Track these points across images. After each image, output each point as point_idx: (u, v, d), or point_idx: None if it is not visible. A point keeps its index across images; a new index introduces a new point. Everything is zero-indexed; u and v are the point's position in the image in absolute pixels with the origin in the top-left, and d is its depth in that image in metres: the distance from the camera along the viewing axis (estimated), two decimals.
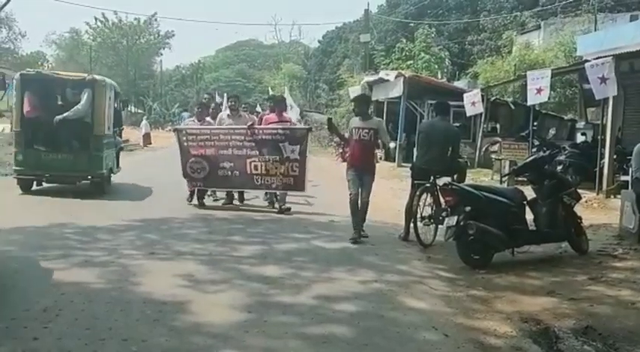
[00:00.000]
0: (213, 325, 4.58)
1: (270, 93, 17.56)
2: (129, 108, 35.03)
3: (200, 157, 10.48)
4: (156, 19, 63.84)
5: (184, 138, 10.62)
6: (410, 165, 19.15)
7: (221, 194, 11.51)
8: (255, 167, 10.38)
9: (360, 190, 8.34)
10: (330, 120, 10.40)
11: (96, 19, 62.06)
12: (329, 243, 8.09)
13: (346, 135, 9.48)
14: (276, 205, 10.59)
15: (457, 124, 17.41)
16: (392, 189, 14.20)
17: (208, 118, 11.42)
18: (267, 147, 10.36)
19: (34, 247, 6.91)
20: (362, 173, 8.45)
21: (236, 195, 11.33)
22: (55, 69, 68.28)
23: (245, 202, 11.40)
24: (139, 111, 53.12)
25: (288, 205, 10.55)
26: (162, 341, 4.23)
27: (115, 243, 7.41)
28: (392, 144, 22.22)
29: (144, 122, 33.62)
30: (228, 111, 11.58)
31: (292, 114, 14.88)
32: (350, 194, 8.38)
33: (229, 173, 10.50)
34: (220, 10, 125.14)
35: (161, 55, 68.93)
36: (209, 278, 5.99)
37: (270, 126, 10.68)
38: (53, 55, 69.43)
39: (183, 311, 4.88)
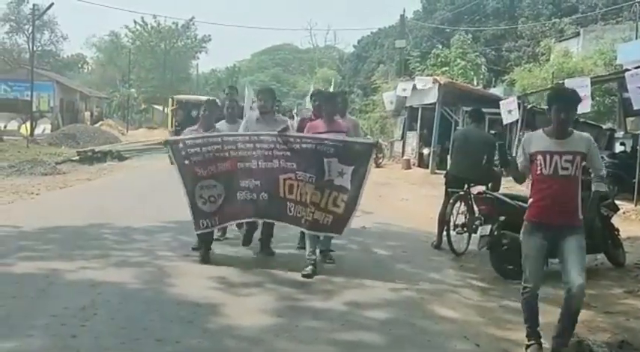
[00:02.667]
0: (245, 328, 4.64)
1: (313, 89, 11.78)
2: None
3: (212, 178, 6.68)
4: (193, 24, 64.70)
5: (183, 154, 6.66)
6: (444, 171, 19.28)
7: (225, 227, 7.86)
8: (291, 188, 6.59)
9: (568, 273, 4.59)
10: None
11: (135, 22, 63.25)
12: (361, 249, 8.09)
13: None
14: (311, 252, 6.55)
15: (492, 132, 17.25)
16: (425, 195, 14.14)
17: (219, 124, 7.61)
18: (306, 159, 6.57)
19: (73, 246, 7.09)
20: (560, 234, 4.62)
21: (259, 228, 7.45)
22: (93, 71, 70.06)
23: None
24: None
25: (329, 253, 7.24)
26: (194, 343, 4.30)
27: (151, 244, 7.55)
28: (426, 151, 22.20)
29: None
30: (257, 113, 7.50)
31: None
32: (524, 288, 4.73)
33: (254, 196, 6.68)
34: (257, 14, 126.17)
35: (198, 58, 69.75)
36: (241, 281, 6.06)
37: (310, 136, 6.78)
38: (93, 58, 71.02)
39: (216, 314, 4.95)
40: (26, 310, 4.72)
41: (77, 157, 21.39)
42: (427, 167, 21.21)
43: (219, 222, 6.90)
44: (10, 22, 54.62)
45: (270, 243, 7.39)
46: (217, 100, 8.65)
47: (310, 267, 6.29)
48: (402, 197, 13.75)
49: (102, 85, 61.91)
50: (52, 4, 35.49)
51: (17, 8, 53.62)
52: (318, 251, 6.81)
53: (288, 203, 6.63)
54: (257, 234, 7.44)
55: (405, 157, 23.50)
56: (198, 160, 6.67)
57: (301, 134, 6.89)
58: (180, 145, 6.79)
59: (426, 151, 22.20)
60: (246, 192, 6.71)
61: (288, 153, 6.65)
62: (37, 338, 4.17)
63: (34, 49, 37.58)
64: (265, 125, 6.98)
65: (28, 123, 30.40)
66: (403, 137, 25.22)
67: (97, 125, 36.96)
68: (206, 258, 6.77)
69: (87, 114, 43.37)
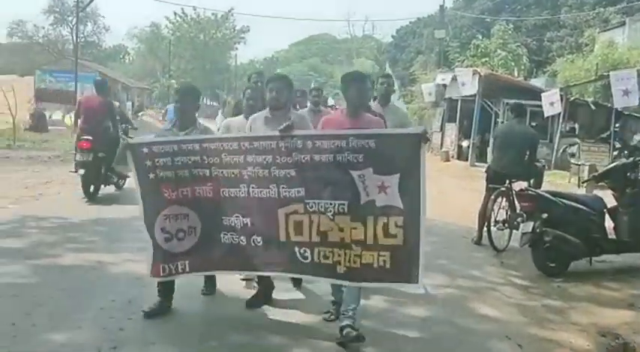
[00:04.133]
0: (289, 325, 4.68)
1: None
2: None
3: (185, 205, 4.65)
4: (232, 15, 65.10)
5: (148, 164, 4.63)
6: (483, 164, 19.09)
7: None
8: (298, 227, 4.38)
9: None
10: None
11: (175, 14, 63.97)
12: None
13: None
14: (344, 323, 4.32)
15: (533, 124, 17.04)
16: (465, 189, 14.05)
17: (226, 122, 5.92)
18: (321, 178, 4.33)
19: (118, 239, 7.26)
20: None
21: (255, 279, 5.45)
22: (134, 61, 71.16)
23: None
24: (214, 104, 54.39)
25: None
26: (239, 338, 4.36)
27: None
28: (465, 143, 22.00)
29: (219, 116, 34.37)
30: (267, 111, 5.20)
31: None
32: None
33: (242, 240, 4.53)
34: (295, 4, 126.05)
35: (236, 49, 70.22)
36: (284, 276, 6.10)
37: (329, 131, 4.66)
38: (134, 48, 72.18)
39: (262, 309, 4.99)
40: (75, 302, 4.85)
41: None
42: (466, 159, 21.05)
43: (190, 270, 4.66)
44: (55, 13, 55.88)
45: (270, 293, 5.18)
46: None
47: (347, 328, 4.26)
48: (442, 190, 13.64)
49: (143, 75, 62.85)
50: None
51: (61, 0, 54.79)
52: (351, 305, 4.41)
53: (296, 247, 4.34)
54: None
55: (443, 149, 23.32)
56: (168, 176, 4.55)
57: (308, 132, 4.58)
58: (145, 150, 4.58)
59: (465, 143, 22.01)
60: (232, 234, 4.51)
61: (292, 172, 4.29)
62: (85, 330, 4.30)
63: (78, 40, 38.23)
64: (276, 127, 4.49)
65: (72, 113, 31.04)
66: (442, 129, 25.02)
67: (138, 115, 37.50)
68: (160, 311, 4.70)
69: (129, 104, 44.09)
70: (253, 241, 4.45)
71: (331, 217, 4.24)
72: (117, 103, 12.47)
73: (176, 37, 64.45)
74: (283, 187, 4.31)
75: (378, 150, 4.15)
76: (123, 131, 10.51)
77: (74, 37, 39.95)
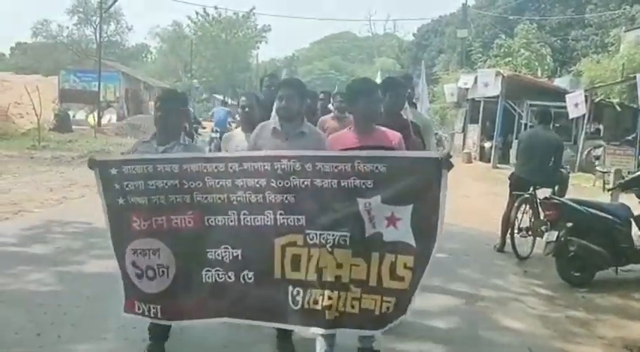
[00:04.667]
0: (308, 335, 4.68)
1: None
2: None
3: (156, 237, 3.86)
4: (253, 14, 65.29)
5: (117, 187, 3.87)
6: (506, 166, 18.92)
7: None
8: (296, 261, 3.71)
9: None
10: None
11: (197, 13, 64.35)
12: None
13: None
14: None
15: (557, 125, 16.85)
16: (487, 192, 13.92)
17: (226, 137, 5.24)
18: (323, 205, 3.67)
19: None
20: None
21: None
22: (157, 60, 71.74)
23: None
24: (235, 102, 54.64)
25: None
26: (265, 348, 4.38)
27: None
28: (487, 144, 21.83)
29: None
30: (276, 121, 4.48)
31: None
32: None
33: (229, 276, 3.77)
34: (316, 3, 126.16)
35: (258, 48, 70.42)
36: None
37: (332, 153, 3.95)
38: (156, 47, 72.79)
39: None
40: (99, 312, 4.89)
41: None
42: (489, 161, 20.90)
43: (162, 317, 3.90)
44: (79, 13, 56.56)
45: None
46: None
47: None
48: (463, 193, 13.54)
49: (165, 74, 63.36)
50: None
51: (85, 0, 55.43)
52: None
53: (290, 287, 3.67)
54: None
55: (465, 150, 23.17)
56: (139, 203, 3.78)
57: (306, 153, 3.76)
58: (114, 171, 3.82)
59: (487, 145, 21.86)
60: (217, 271, 3.75)
61: (291, 197, 3.63)
62: (110, 341, 4.34)
63: (101, 40, 38.64)
64: (285, 142, 4.16)
65: (96, 113, 31.41)
66: (464, 130, 24.86)
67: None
68: None
69: (151, 103, 44.52)
70: (243, 277, 3.70)
71: (329, 249, 3.56)
72: (191, 110, 13.40)
73: (198, 37, 64.81)
74: (281, 213, 3.62)
75: (390, 175, 3.53)
76: (195, 129, 11.33)
77: (97, 37, 40.41)
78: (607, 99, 20.99)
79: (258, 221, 3.66)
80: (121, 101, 38.09)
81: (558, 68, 33.03)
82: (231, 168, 3.69)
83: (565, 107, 18.01)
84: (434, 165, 3.53)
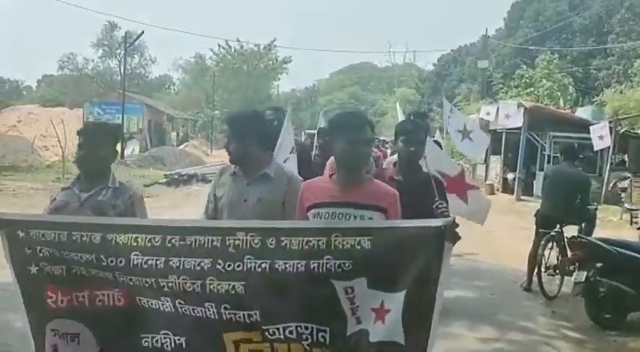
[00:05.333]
0: None
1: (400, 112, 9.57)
2: None
3: (75, 318, 2.88)
4: (275, 46, 66.09)
5: (28, 253, 2.86)
6: (530, 198, 18.69)
7: None
8: None
9: None
10: None
11: (219, 45, 65.34)
12: (446, 291, 7.88)
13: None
14: None
15: (581, 156, 16.62)
16: (511, 226, 13.70)
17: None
18: (289, 295, 2.66)
19: None
20: None
21: None
22: (179, 91, 72.78)
23: None
24: None
25: None
26: None
27: None
28: (510, 176, 21.61)
29: None
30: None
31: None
32: None
33: None
34: (336, 34, 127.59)
35: (279, 79, 71.16)
36: None
37: (301, 224, 3.08)
38: (179, 79, 73.95)
39: None
40: None
41: (164, 180, 22.15)
42: (512, 192, 20.66)
43: None
44: (104, 46, 57.80)
45: None
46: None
47: None
48: (487, 227, 13.34)
49: (187, 105, 64.20)
50: (143, 32, 37.36)
51: (110, 34, 56.70)
52: None
53: None
54: None
55: (488, 182, 22.95)
56: (55, 274, 2.87)
57: (271, 224, 2.84)
58: (21, 234, 2.89)
59: (510, 176, 21.63)
60: None
61: (240, 287, 2.66)
62: None
63: (125, 73, 39.37)
64: (246, 187, 3.51)
65: (119, 145, 31.84)
66: (486, 161, 24.66)
67: (182, 146, 38.28)
68: None
69: (174, 134, 45.06)
70: None
71: (307, 348, 2.66)
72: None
73: (220, 68, 65.70)
74: (226, 307, 2.65)
75: (376, 252, 2.61)
76: None
77: (122, 70, 41.15)
78: (632, 131, 20.74)
79: (197, 313, 2.70)
80: (143, 132, 38.60)
81: (581, 98, 32.85)
82: (169, 242, 2.72)
83: (589, 138, 17.80)
84: (435, 237, 2.65)
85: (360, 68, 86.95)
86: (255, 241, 2.67)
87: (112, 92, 41.61)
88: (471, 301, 7.41)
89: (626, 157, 20.29)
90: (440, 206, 3.54)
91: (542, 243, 7.76)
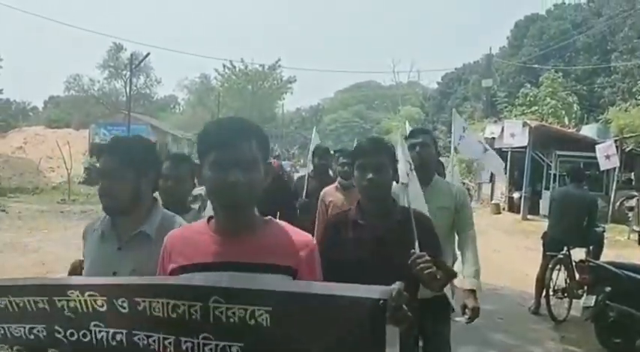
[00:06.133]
0: None
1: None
2: None
3: None
4: (279, 66, 66.42)
5: None
6: (536, 217, 18.58)
7: None
8: None
9: None
10: None
11: (224, 66, 65.73)
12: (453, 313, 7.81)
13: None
14: None
15: (587, 172, 16.53)
16: (518, 247, 13.63)
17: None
18: None
19: None
20: None
21: None
22: (184, 111, 73.07)
23: None
24: None
25: None
26: None
27: None
28: (516, 195, 21.52)
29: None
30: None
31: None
32: None
33: None
34: (340, 53, 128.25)
35: (283, 99, 71.41)
36: None
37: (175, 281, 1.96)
38: (184, 99, 74.30)
39: None
40: None
41: None
42: (518, 211, 20.56)
43: None
44: (110, 68, 58.17)
45: None
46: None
47: None
48: (493, 247, 13.30)
49: (192, 125, 64.40)
50: (149, 53, 37.70)
51: (116, 55, 57.11)
52: None
53: None
54: None
55: (494, 201, 22.87)
56: None
57: (121, 280, 2.09)
58: None
59: (516, 195, 21.55)
60: None
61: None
62: None
63: (131, 94, 39.59)
64: (115, 252, 2.45)
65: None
66: (492, 180, 24.58)
67: None
68: None
69: None
70: None
71: None
72: None
73: (225, 88, 66.01)
74: None
75: (277, 333, 1.78)
76: None
77: (127, 91, 41.36)
78: (638, 149, 20.64)
79: None
80: None
81: (585, 116, 32.81)
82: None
83: (595, 156, 17.74)
84: (370, 316, 1.73)
85: (365, 87, 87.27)
86: (99, 302, 1.96)
87: (118, 113, 41.75)
88: (478, 325, 7.29)
89: (632, 176, 20.18)
90: (418, 261, 2.43)
91: (550, 265, 7.69)
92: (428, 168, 3.72)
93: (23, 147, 34.43)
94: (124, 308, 1.88)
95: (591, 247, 7.97)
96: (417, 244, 2.59)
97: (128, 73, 42.87)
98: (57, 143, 25.93)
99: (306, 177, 6.57)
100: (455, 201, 3.83)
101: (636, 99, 26.60)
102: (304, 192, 6.32)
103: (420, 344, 3.57)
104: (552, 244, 7.84)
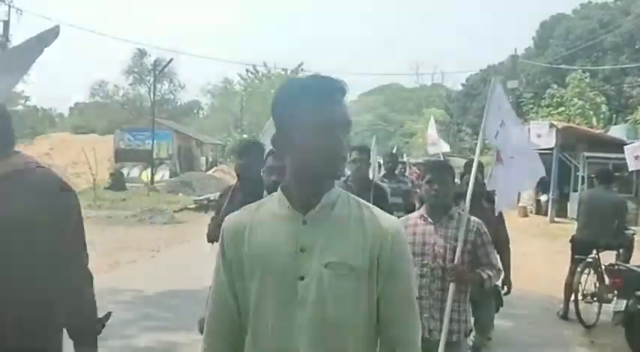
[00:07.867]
0: None
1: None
2: None
3: None
4: (302, 70, 66.46)
5: None
6: (563, 219, 18.28)
7: None
8: None
9: None
10: None
11: (247, 70, 65.97)
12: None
13: None
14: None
15: (617, 173, 16.19)
16: (545, 250, 13.38)
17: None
18: None
19: (190, 314, 7.16)
20: None
21: None
22: (208, 116, 73.49)
23: None
24: None
25: None
26: None
27: None
28: (543, 198, 21.20)
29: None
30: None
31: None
32: None
33: None
34: (363, 55, 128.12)
35: None
36: None
37: None
38: (207, 104, 74.71)
39: None
40: None
41: (194, 205, 22.25)
42: (545, 214, 20.27)
43: None
44: (134, 74, 58.80)
45: None
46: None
47: None
48: (521, 251, 13.02)
49: (215, 129, 64.74)
50: (172, 59, 37.99)
51: (140, 61, 57.70)
52: None
53: None
54: None
55: (521, 204, 22.54)
56: None
57: None
58: None
59: (543, 198, 21.23)
60: None
61: None
62: None
63: (155, 99, 39.93)
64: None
65: (149, 170, 32.21)
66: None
67: (210, 171, 38.47)
68: None
69: (203, 159, 45.40)
70: None
71: None
72: None
73: (247, 93, 66.24)
74: None
75: None
76: None
77: (152, 96, 41.70)
78: None
79: None
80: (173, 158, 38.93)
81: (614, 116, 32.23)
82: None
83: (624, 158, 17.37)
84: None
85: (388, 89, 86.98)
86: None
87: (142, 118, 42.11)
88: (508, 330, 7.17)
89: None
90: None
91: (579, 269, 7.52)
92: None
93: (50, 154, 34.90)
94: None
95: (621, 250, 7.77)
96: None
97: (152, 78, 43.33)
98: (82, 149, 26.20)
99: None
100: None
101: None
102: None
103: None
104: (581, 247, 7.66)
